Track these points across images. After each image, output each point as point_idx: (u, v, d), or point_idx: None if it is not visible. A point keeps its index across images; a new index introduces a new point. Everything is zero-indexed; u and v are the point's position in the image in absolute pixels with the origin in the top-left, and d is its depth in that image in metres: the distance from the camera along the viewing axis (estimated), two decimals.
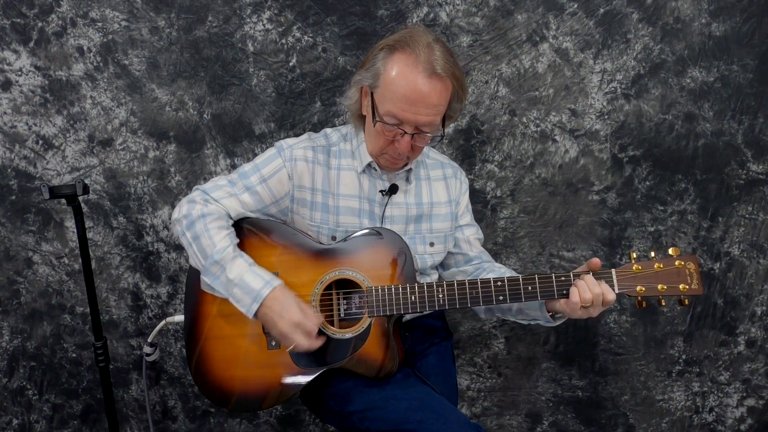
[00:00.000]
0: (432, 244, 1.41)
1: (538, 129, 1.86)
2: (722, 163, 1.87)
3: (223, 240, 1.28)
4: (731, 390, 2.06)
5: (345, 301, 1.35)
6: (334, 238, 1.35)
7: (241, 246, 1.33)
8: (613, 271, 1.24)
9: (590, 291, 1.20)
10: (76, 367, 2.04)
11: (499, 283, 1.25)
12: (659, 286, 1.22)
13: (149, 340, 1.63)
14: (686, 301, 1.23)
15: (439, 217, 1.43)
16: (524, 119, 1.85)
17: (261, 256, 1.32)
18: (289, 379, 1.30)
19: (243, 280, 1.25)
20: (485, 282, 1.25)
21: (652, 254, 1.25)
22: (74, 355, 2.03)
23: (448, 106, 1.28)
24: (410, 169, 1.40)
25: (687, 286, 1.22)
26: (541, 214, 1.92)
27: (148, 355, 1.66)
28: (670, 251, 1.23)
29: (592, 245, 1.94)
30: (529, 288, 1.24)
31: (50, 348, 2.02)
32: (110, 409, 1.73)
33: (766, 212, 1.91)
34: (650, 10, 1.77)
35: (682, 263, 1.23)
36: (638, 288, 1.23)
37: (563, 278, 1.24)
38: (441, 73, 1.20)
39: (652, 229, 1.93)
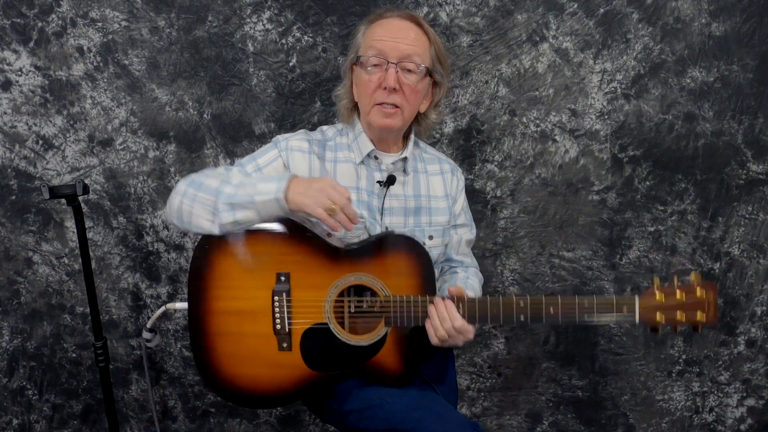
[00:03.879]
0: (431, 238, 1.42)
1: (538, 129, 1.86)
2: (722, 163, 1.87)
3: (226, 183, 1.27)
4: (731, 390, 2.06)
5: (357, 307, 1.32)
6: (329, 235, 1.34)
7: (251, 241, 1.28)
8: (636, 298, 1.21)
9: (442, 327, 1.22)
10: (76, 367, 2.04)
11: (522, 303, 1.23)
12: (678, 315, 1.21)
13: (148, 325, 1.57)
14: (700, 329, 1.22)
15: (438, 210, 1.44)
16: (524, 119, 1.85)
17: (271, 254, 1.28)
18: (299, 380, 1.29)
19: (265, 176, 1.26)
20: (508, 301, 1.24)
21: (675, 280, 1.22)
22: (74, 355, 2.03)
23: (430, 61, 1.32)
24: (406, 158, 1.40)
25: (704, 316, 1.21)
26: (541, 214, 1.92)
27: (148, 341, 1.60)
28: (691, 277, 1.21)
29: (592, 245, 1.94)
30: (551, 311, 1.23)
31: (50, 348, 2.02)
32: (110, 409, 1.73)
33: (766, 212, 1.91)
34: (650, 10, 1.77)
35: (703, 293, 1.21)
36: (657, 317, 1.21)
37: (586, 303, 1.22)
38: (416, 17, 1.31)
39: (652, 229, 1.93)
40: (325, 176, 1.35)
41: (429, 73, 1.33)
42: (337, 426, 1.38)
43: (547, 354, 2.04)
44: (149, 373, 1.85)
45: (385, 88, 1.28)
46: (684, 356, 2.03)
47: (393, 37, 1.28)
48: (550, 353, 2.04)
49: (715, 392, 2.07)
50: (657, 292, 1.22)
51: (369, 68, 1.30)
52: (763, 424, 2.09)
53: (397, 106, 1.30)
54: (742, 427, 2.10)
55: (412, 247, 1.27)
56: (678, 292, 1.21)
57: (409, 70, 1.29)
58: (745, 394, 2.07)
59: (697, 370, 2.04)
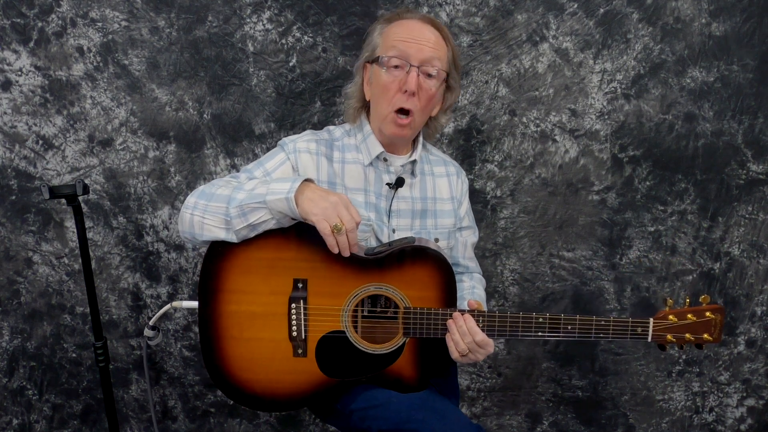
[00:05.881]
0: (437, 240, 1.41)
1: (538, 129, 1.86)
2: (722, 163, 1.87)
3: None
4: (731, 390, 2.07)
5: (372, 311, 1.32)
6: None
7: (267, 246, 1.25)
8: (651, 320, 1.25)
9: (463, 342, 1.22)
10: (76, 367, 2.04)
11: (541, 320, 1.24)
12: (687, 335, 1.26)
13: (151, 323, 1.54)
14: (704, 347, 1.28)
15: (444, 213, 1.44)
16: (524, 119, 1.85)
17: (288, 259, 1.24)
18: (313, 386, 1.29)
19: (277, 178, 1.25)
20: (527, 317, 1.24)
21: (687, 301, 1.27)
22: (74, 355, 2.03)
23: (448, 66, 1.32)
24: (415, 161, 1.40)
25: (710, 337, 1.26)
26: (541, 214, 1.92)
27: (150, 339, 1.57)
28: (701, 299, 1.25)
29: (592, 245, 1.94)
30: (569, 327, 1.24)
31: (50, 348, 2.02)
32: (110, 409, 1.73)
33: (766, 212, 1.91)
34: (650, 10, 1.77)
35: (712, 315, 1.26)
36: (668, 337, 1.26)
37: (603, 322, 1.24)
38: (436, 22, 1.31)
39: (652, 229, 1.93)
40: (333, 177, 1.35)
41: (445, 78, 1.33)
42: (340, 426, 1.38)
43: (547, 354, 2.04)
44: (149, 373, 1.84)
45: (405, 91, 1.26)
46: (684, 356, 2.03)
47: (416, 40, 1.27)
48: (550, 353, 2.04)
49: (715, 392, 2.07)
50: (670, 314, 1.26)
51: (389, 68, 1.28)
52: (763, 424, 2.09)
53: (411, 114, 1.30)
54: (742, 427, 2.10)
55: (434, 260, 1.25)
56: (689, 314, 1.26)
57: (430, 75, 1.28)
58: (745, 394, 2.07)
59: (697, 370, 2.05)
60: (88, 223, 1.91)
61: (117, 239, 1.93)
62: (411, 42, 1.26)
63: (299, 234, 1.24)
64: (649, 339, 1.26)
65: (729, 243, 1.94)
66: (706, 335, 1.26)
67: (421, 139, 1.44)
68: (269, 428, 2.10)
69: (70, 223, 1.92)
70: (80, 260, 1.61)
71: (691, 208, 1.91)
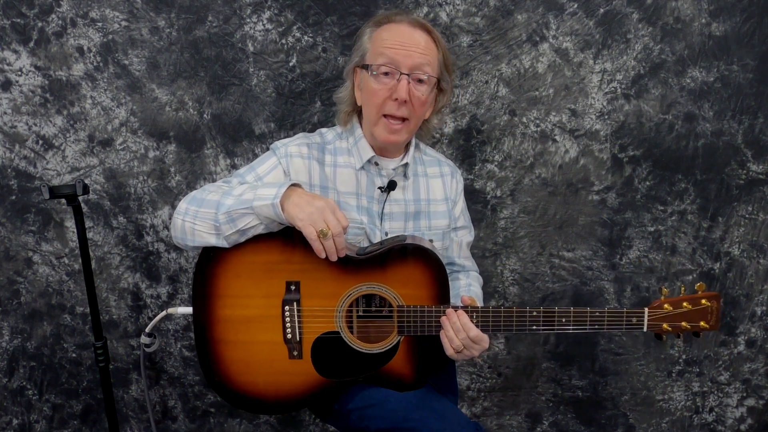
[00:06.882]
0: (431, 241, 1.41)
1: (538, 129, 1.86)
2: (722, 163, 1.87)
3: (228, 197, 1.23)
4: (731, 390, 2.07)
5: (366, 311, 1.32)
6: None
7: (259, 249, 1.25)
8: (646, 310, 1.25)
9: (457, 338, 1.21)
10: (76, 367, 2.04)
11: (535, 313, 1.24)
12: (683, 324, 1.25)
13: (147, 330, 1.53)
14: (700, 335, 1.27)
15: (437, 214, 1.43)
16: (524, 119, 1.85)
17: (280, 262, 1.24)
18: (310, 387, 1.29)
19: (265, 183, 1.26)
20: (521, 311, 1.25)
21: (682, 289, 1.27)
22: (74, 355, 2.03)
23: (439, 70, 1.31)
24: (407, 164, 1.39)
25: (707, 324, 1.26)
26: (541, 214, 1.92)
27: (147, 346, 1.57)
28: (697, 287, 1.25)
29: (592, 245, 1.94)
30: (563, 320, 1.25)
31: (50, 348, 2.02)
32: (110, 409, 1.73)
33: (766, 212, 1.91)
34: (650, 10, 1.77)
35: (708, 303, 1.25)
36: (664, 326, 1.25)
37: (597, 313, 1.24)
38: (426, 25, 1.29)
39: (652, 229, 1.93)
40: (324, 181, 1.34)
41: (437, 81, 1.32)
42: (339, 426, 1.38)
43: (547, 354, 2.04)
44: (146, 374, 1.84)
45: (396, 99, 1.26)
46: (684, 356, 2.03)
47: (404, 46, 1.25)
48: (550, 353, 2.04)
49: (715, 392, 2.07)
50: (665, 304, 1.25)
51: (378, 75, 1.27)
52: (763, 424, 2.09)
53: (404, 119, 1.29)
54: (742, 427, 2.10)
55: (426, 258, 1.25)
56: (684, 302, 1.25)
57: (420, 81, 1.27)
58: (745, 394, 2.07)
59: (697, 370, 2.05)
60: (88, 223, 1.91)
61: (117, 239, 1.93)
62: (399, 48, 1.25)
63: (291, 237, 1.24)
64: (645, 328, 1.25)
65: (729, 243, 1.94)
66: (702, 323, 1.25)
67: (413, 141, 1.43)
68: (269, 428, 2.10)
69: (70, 223, 1.92)
70: (80, 260, 1.61)
71: (691, 208, 1.91)
